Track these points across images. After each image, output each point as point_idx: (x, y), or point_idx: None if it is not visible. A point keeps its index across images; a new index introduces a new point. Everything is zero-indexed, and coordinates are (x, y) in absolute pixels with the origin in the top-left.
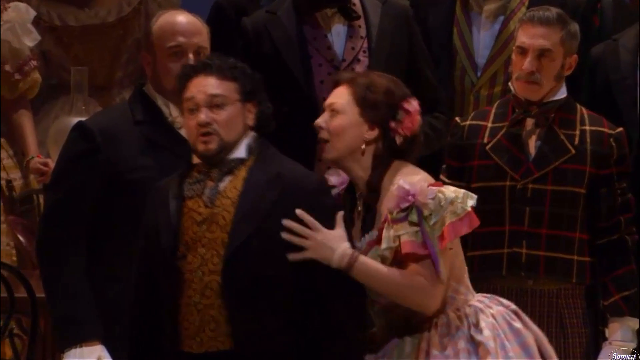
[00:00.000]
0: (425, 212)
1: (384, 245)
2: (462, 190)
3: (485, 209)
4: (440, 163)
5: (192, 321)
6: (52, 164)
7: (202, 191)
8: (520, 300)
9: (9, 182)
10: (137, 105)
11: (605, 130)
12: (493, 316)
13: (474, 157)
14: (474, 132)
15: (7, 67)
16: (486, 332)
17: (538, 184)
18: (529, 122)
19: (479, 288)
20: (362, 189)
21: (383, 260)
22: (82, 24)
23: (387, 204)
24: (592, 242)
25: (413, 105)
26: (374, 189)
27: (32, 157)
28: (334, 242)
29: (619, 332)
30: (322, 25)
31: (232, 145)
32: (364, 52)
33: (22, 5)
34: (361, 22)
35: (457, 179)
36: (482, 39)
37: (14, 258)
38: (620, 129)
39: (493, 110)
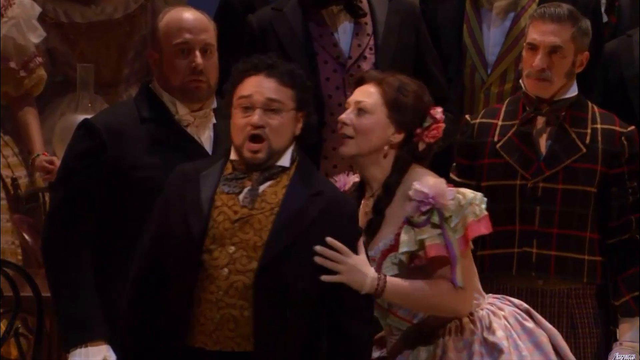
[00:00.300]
0: (447, 214)
1: (402, 248)
2: (477, 192)
3: (495, 208)
4: (450, 161)
5: (211, 318)
6: (57, 162)
7: (239, 190)
8: (531, 300)
9: (14, 180)
10: (143, 103)
11: (617, 128)
12: (505, 318)
13: (484, 156)
14: (484, 130)
15: (12, 64)
16: (499, 333)
17: (549, 183)
18: (540, 121)
19: (488, 288)
20: (375, 189)
21: (400, 266)
22: (88, 21)
23: (404, 208)
24: (603, 242)
25: (439, 113)
26: (391, 191)
27: (38, 155)
28: (364, 267)
29: (629, 333)
30: (328, 23)
31: (279, 153)
32: (370, 49)
33: (27, 1)
34: (367, 19)
35: (467, 178)
36: (493, 36)
37: (20, 257)
38: (632, 127)
39: (503, 108)
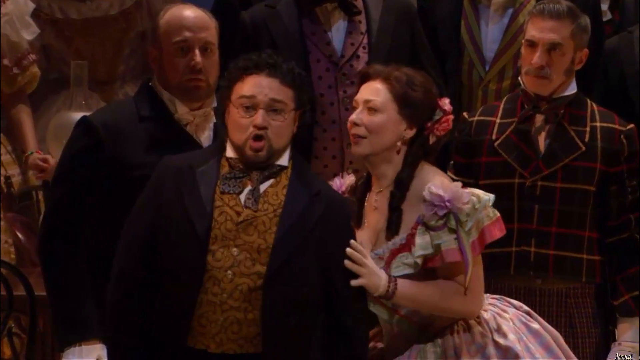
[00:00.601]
0: (462, 218)
1: (418, 252)
2: (488, 194)
3: (493, 206)
4: (447, 160)
5: (214, 320)
6: (51, 160)
7: (240, 190)
8: (529, 299)
9: (7, 178)
10: (143, 101)
11: (616, 126)
12: (511, 320)
13: (482, 154)
14: (482, 128)
15: (6, 61)
16: (511, 336)
17: (547, 181)
18: (539, 118)
19: (486, 287)
20: (384, 185)
21: (412, 267)
22: (83, 17)
23: (418, 208)
24: (602, 241)
25: (447, 104)
26: (404, 186)
27: (31, 153)
28: (378, 271)
29: (628, 333)
30: (322, 21)
31: (279, 153)
32: (364, 48)
33: None
34: (362, 17)
35: (465, 176)
36: (491, 33)
37: (13, 256)
38: (632, 125)
39: (501, 106)
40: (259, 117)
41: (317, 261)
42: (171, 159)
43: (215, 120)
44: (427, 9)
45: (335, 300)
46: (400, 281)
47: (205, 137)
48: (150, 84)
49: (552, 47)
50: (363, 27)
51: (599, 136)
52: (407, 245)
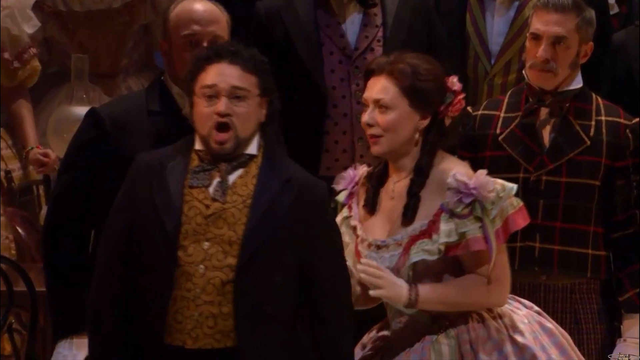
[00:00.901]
0: (488, 206)
1: (442, 239)
2: (510, 183)
3: None
4: (452, 154)
5: (189, 315)
6: (52, 155)
7: (208, 182)
8: (534, 295)
9: (7, 172)
10: (153, 95)
11: (622, 120)
12: (525, 317)
13: (486, 148)
14: (486, 122)
15: (6, 55)
16: (527, 335)
17: (552, 176)
18: (543, 112)
19: None
20: (403, 176)
21: (431, 253)
22: (87, 10)
23: (442, 195)
24: (607, 236)
25: (455, 83)
26: (424, 173)
27: (32, 148)
28: (398, 280)
29: (633, 329)
30: (337, 13)
31: (246, 142)
32: (378, 41)
33: None
34: (377, 10)
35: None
36: (496, 26)
37: (13, 251)
38: (637, 119)
39: (506, 100)
40: (222, 104)
41: (292, 249)
42: (144, 156)
43: None
44: (432, 1)
45: (313, 289)
46: (421, 287)
47: None
48: (162, 78)
49: (557, 41)
50: (378, 20)
51: (604, 130)
52: (428, 232)
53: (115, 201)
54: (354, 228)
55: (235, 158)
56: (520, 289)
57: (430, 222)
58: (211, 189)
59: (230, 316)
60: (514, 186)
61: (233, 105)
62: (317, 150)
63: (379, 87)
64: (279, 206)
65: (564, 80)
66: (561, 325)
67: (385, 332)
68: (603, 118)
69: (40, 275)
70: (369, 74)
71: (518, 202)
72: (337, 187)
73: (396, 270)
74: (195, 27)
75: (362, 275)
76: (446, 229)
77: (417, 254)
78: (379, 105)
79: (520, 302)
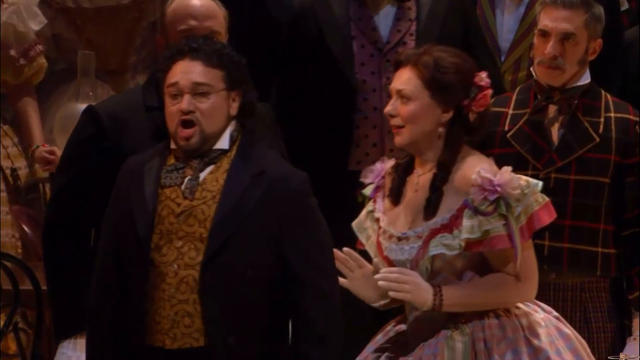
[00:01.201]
0: (512, 203)
1: (464, 235)
2: (535, 180)
3: None
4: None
5: (165, 316)
6: (58, 152)
7: (181, 181)
8: (543, 294)
9: (13, 170)
10: (150, 91)
11: (631, 117)
12: (543, 321)
13: (494, 145)
14: (495, 119)
15: (13, 52)
16: (544, 338)
17: (561, 173)
18: (552, 109)
19: None
20: (427, 169)
21: (450, 249)
22: (96, 6)
23: (466, 191)
24: (617, 234)
25: (484, 79)
26: (446, 168)
27: (37, 146)
28: (423, 282)
29: None
30: (369, 5)
31: (214, 136)
32: (411, 35)
33: None
34: (412, 3)
35: None
36: (506, 22)
37: (19, 250)
38: None
39: (514, 97)
40: (184, 101)
41: (265, 242)
42: (130, 159)
43: None
44: None
45: (291, 282)
46: (445, 291)
47: None
48: (159, 74)
49: (566, 37)
50: (412, 14)
51: (613, 127)
52: (449, 227)
53: (108, 206)
54: (377, 220)
55: (206, 154)
56: None
57: (453, 216)
58: (183, 187)
59: (202, 315)
60: (538, 182)
61: (196, 101)
62: (346, 144)
63: (403, 78)
64: (249, 200)
65: (572, 76)
66: (571, 324)
67: (402, 326)
68: (612, 115)
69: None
70: (397, 65)
71: (543, 198)
72: (365, 181)
73: (415, 263)
74: (192, 22)
75: (382, 283)
76: (469, 225)
77: (436, 248)
78: (401, 95)
79: (539, 306)
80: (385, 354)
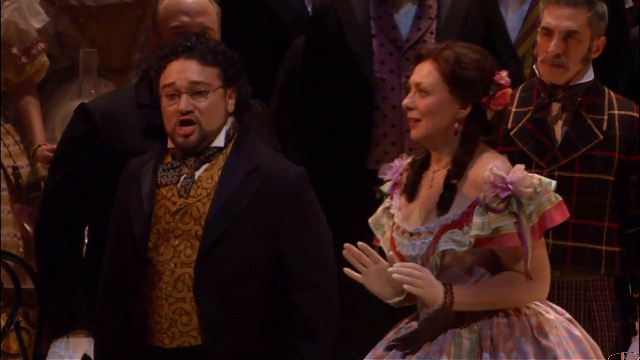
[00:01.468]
0: (524, 202)
1: (474, 231)
2: (548, 178)
3: None
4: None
5: (164, 315)
6: None
7: (177, 179)
8: None
9: (15, 169)
10: (142, 88)
11: (635, 114)
12: (553, 322)
13: (497, 143)
14: None
15: (14, 50)
16: (552, 338)
17: (564, 171)
18: (555, 107)
19: None
20: (443, 165)
21: (460, 245)
22: (99, 4)
23: (478, 188)
24: (621, 232)
25: (504, 77)
26: (461, 165)
27: (39, 145)
28: (435, 281)
29: None
30: (391, 4)
31: (212, 135)
32: (431, 33)
33: None
34: (433, 1)
35: None
36: (510, 20)
37: (21, 249)
38: None
39: (517, 94)
40: (182, 102)
41: (261, 237)
42: (132, 161)
43: None
44: None
45: (286, 277)
46: (456, 289)
47: None
48: (152, 71)
49: (569, 35)
50: (433, 12)
51: (617, 124)
52: (460, 223)
53: (112, 207)
54: (393, 216)
55: (202, 152)
56: None
57: (464, 213)
58: (178, 186)
59: (198, 313)
60: (552, 181)
61: (195, 101)
62: (366, 143)
63: (423, 72)
64: (243, 196)
65: (575, 74)
66: None
67: (413, 324)
68: (616, 112)
69: None
70: (418, 58)
71: (557, 198)
72: (384, 177)
73: (425, 258)
74: (184, 19)
75: (396, 275)
76: (479, 222)
77: (445, 243)
78: (420, 89)
79: (551, 307)
80: (395, 350)
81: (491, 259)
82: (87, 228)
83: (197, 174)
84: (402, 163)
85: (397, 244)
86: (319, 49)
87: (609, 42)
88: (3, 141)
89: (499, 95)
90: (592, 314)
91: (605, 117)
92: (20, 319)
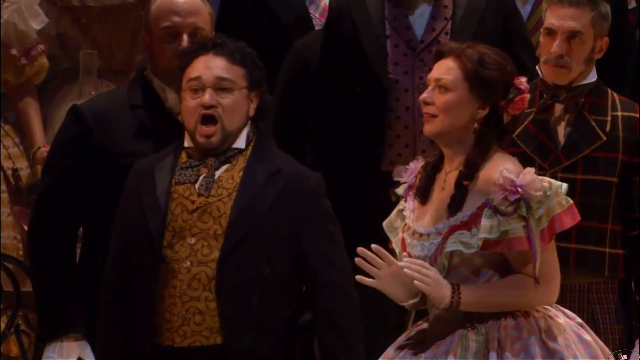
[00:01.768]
0: (534, 205)
1: (482, 234)
2: (559, 182)
3: None
4: None
5: (176, 313)
6: None
7: (195, 178)
8: None
9: (15, 171)
10: (135, 89)
11: (638, 116)
12: (562, 326)
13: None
14: None
15: (14, 51)
16: (560, 341)
17: (568, 173)
18: (558, 108)
19: None
20: (455, 166)
21: (467, 247)
22: (101, 4)
23: (488, 190)
24: (625, 234)
25: (524, 83)
26: (473, 166)
27: (39, 147)
28: (443, 280)
29: None
30: (406, 5)
31: (234, 135)
32: (446, 34)
33: None
34: (449, 2)
35: None
36: None
37: (21, 252)
38: None
39: None
40: (207, 95)
41: (283, 240)
42: (139, 163)
43: None
44: None
45: (309, 280)
46: (463, 289)
47: None
48: (145, 73)
49: (572, 35)
50: (448, 13)
51: (620, 126)
52: (468, 224)
53: (117, 209)
54: (405, 218)
55: (223, 153)
56: None
57: (473, 214)
58: (197, 185)
59: (217, 312)
60: (562, 184)
61: (219, 97)
62: (379, 144)
63: (444, 68)
64: (265, 197)
65: (578, 75)
66: None
67: (423, 325)
68: (619, 113)
69: None
70: (439, 55)
71: (567, 201)
72: (400, 180)
73: (433, 259)
74: (175, 19)
75: (407, 270)
76: (487, 225)
77: (453, 244)
78: (439, 84)
79: (562, 312)
80: (405, 350)
81: (500, 261)
82: (80, 230)
83: (217, 173)
84: (417, 165)
85: (408, 245)
86: (334, 49)
87: (612, 43)
88: (3, 143)
89: (518, 99)
90: (595, 317)
91: (609, 118)
92: (20, 322)
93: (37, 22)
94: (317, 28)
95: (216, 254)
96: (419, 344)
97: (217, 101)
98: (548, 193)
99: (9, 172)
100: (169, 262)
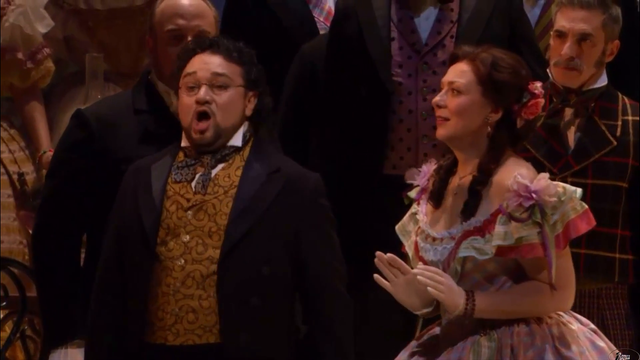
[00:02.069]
0: (548, 211)
1: (496, 241)
2: (573, 187)
3: None
4: None
5: (169, 311)
6: None
7: (192, 177)
8: None
9: (20, 175)
10: (140, 93)
11: None
12: (576, 332)
13: None
14: None
15: (20, 55)
16: (574, 348)
17: (577, 177)
18: (568, 112)
19: None
20: (468, 171)
21: (481, 253)
22: (108, 8)
23: (502, 196)
24: (635, 239)
25: (538, 87)
26: (487, 171)
27: (45, 152)
28: (457, 287)
29: None
30: (412, 7)
31: (228, 132)
32: (452, 37)
33: None
34: (455, 5)
35: None
36: None
37: (27, 257)
38: None
39: None
40: (201, 91)
41: (281, 240)
42: (136, 163)
43: None
44: None
45: (305, 281)
46: (478, 297)
47: None
48: (149, 76)
49: (583, 38)
50: (454, 16)
51: (630, 130)
52: (482, 230)
53: (112, 208)
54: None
55: (218, 151)
56: None
57: (487, 220)
58: (193, 183)
59: (212, 311)
60: (577, 189)
61: (214, 93)
62: (382, 147)
63: (458, 71)
64: (265, 196)
65: (589, 78)
66: None
67: (436, 329)
68: (630, 118)
69: None
70: (453, 59)
71: (582, 206)
72: (414, 183)
73: (446, 264)
74: (180, 22)
75: (420, 277)
76: (501, 231)
77: (466, 250)
78: (452, 87)
79: (575, 318)
80: (416, 356)
81: (514, 267)
82: (84, 235)
83: (214, 172)
84: (430, 168)
85: (421, 249)
86: (338, 49)
87: (623, 46)
88: (8, 147)
89: (532, 104)
90: (605, 322)
91: (619, 122)
92: (26, 327)
93: (43, 25)
94: (321, 32)
95: (211, 252)
96: (431, 349)
97: (211, 97)
98: (562, 198)
99: (15, 177)
100: (163, 259)
